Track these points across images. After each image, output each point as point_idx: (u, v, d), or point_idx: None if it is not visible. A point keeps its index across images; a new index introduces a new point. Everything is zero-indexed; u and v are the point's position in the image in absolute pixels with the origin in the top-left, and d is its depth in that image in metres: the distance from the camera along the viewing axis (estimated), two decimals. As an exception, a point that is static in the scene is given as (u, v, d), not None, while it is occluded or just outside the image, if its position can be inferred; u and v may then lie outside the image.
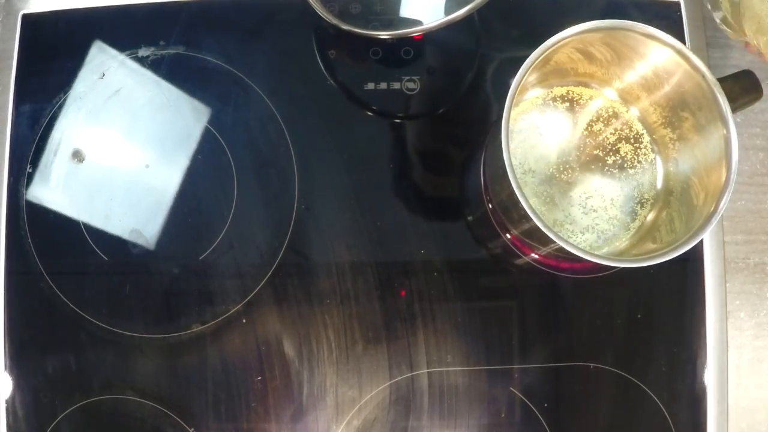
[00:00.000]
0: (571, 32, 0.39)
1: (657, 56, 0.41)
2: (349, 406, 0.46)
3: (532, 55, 0.38)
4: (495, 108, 0.49)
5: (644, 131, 0.46)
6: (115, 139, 0.49)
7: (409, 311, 0.47)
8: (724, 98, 0.39)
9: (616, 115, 0.46)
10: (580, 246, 0.38)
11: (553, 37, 0.39)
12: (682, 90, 0.41)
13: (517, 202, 0.37)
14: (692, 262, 0.48)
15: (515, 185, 0.37)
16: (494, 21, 0.51)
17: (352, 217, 0.48)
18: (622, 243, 0.45)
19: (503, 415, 0.46)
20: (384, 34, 0.45)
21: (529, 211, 0.36)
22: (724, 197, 0.38)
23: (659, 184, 0.46)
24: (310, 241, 0.47)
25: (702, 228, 0.38)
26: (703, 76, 0.39)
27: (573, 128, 0.46)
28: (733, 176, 0.38)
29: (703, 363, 0.47)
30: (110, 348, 0.46)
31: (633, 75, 0.44)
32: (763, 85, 0.42)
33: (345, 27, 0.44)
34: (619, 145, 0.46)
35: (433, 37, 0.50)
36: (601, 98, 0.46)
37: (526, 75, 0.38)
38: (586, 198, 0.45)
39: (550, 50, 0.39)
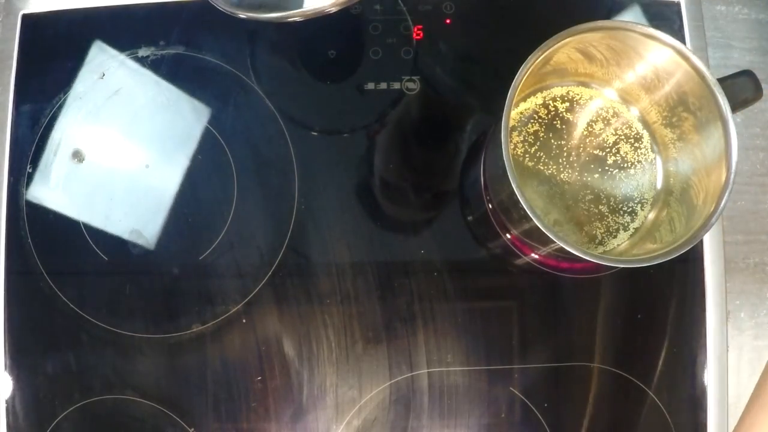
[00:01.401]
0: (571, 32, 0.39)
1: (657, 56, 0.41)
2: (349, 406, 0.46)
3: (531, 55, 0.38)
4: (495, 108, 0.49)
5: (644, 131, 0.46)
6: (115, 139, 0.49)
7: (409, 311, 0.47)
8: (724, 98, 0.39)
9: (616, 115, 0.46)
10: (579, 246, 0.38)
11: (553, 37, 0.39)
12: (682, 90, 0.41)
13: (517, 202, 0.37)
14: (692, 262, 0.48)
15: (515, 185, 0.37)
16: (496, 20, 0.51)
17: (352, 217, 0.48)
18: (622, 243, 0.45)
19: (503, 415, 0.46)
20: (263, 17, 0.41)
21: (529, 211, 0.36)
22: (724, 197, 0.38)
23: (659, 184, 0.46)
24: (310, 241, 0.47)
25: (702, 228, 0.38)
26: (703, 77, 0.39)
27: (573, 128, 0.46)
28: (733, 176, 0.38)
29: (703, 363, 0.47)
30: (110, 348, 0.46)
31: (633, 75, 0.44)
32: (763, 85, 0.42)
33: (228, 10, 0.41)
34: (619, 145, 0.46)
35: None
36: (601, 98, 0.46)
37: (525, 75, 0.38)
38: (586, 198, 0.45)
39: (549, 50, 0.39)
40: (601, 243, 0.45)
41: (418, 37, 0.50)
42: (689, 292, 0.47)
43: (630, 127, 0.46)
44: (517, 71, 0.38)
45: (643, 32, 0.40)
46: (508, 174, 0.37)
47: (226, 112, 0.49)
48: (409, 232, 0.48)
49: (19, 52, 0.50)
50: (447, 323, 0.47)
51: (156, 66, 0.50)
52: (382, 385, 0.46)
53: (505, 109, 0.38)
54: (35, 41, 0.50)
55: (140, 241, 0.47)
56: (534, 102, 0.46)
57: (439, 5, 0.50)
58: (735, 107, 0.40)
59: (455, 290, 0.47)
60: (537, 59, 0.38)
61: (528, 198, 0.37)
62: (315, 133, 0.49)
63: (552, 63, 0.43)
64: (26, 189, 0.48)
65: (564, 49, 0.41)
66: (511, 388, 0.46)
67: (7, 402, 0.46)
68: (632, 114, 0.46)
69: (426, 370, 0.46)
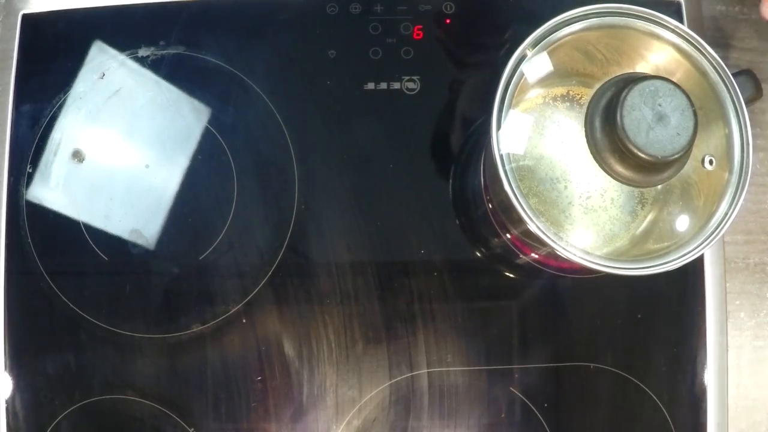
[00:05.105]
0: (568, 15, 0.39)
1: (658, 55, 0.41)
2: (349, 406, 0.46)
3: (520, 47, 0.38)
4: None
5: (644, 131, 0.46)
6: (115, 139, 0.49)
7: (409, 311, 0.47)
8: (726, 97, 0.39)
9: (616, 115, 0.46)
10: (579, 246, 0.38)
11: (549, 22, 0.39)
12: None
13: (515, 202, 0.37)
14: (692, 261, 0.47)
15: (508, 188, 0.37)
16: (496, 20, 0.51)
17: (352, 217, 0.48)
18: (622, 243, 0.45)
19: (503, 415, 0.46)
20: None
21: (522, 215, 0.36)
22: (726, 198, 0.38)
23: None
24: (310, 241, 0.47)
25: (702, 229, 0.38)
26: (705, 75, 0.39)
27: (573, 128, 0.46)
28: (735, 177, 0.38)
29: (703, 363, 0.47)
30: (110, 348, 0.46)
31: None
32: (763, 85, 0.42)
33: None
34: (619, 145, 0.46)
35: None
36: (601, 98, 0.46)
37: (512, 67, 0.38)
38: (586, 197, 0.45)
39: (551, 32, 0.39)
40: (601, 243, 0.45)
41: (418, 37, 0.50)
42: (689, 292, 0.47)
43: (630, 127, 0.46)
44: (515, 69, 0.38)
45: (643, 29, 0.40)
46: (500, 175, 0.37)
47: (226, 112, 0.49)
48: (409, 232, 0.48)
49: (19, 52, 0.50)
50: (447, 323, 0.47)
51: (156, 66, 0.50)
52: (382, 385, 0.46)
53: (496, 103, 0.38)
54: (35, 41, 0.50)
55: (140, 241, 0.47)
56: (534, 102, 0.46)
57: (439, 5, 0.50)
58: (735, 107, 0.40)
59: (455, 290, 0.47)
60: (544, 35, 0.38)
61: (527, 198, 0.37)
62: (315, 134, 0.49)
63: (552, 63, 0.43)
64: (26, 189, 0.48)
65: (564, 49, 0.41)
66: (511, 388, 0.46)
67: (7, 402, 0.46)
68: (632, 114, 0.46)
69: (426, 370, 0.46)
